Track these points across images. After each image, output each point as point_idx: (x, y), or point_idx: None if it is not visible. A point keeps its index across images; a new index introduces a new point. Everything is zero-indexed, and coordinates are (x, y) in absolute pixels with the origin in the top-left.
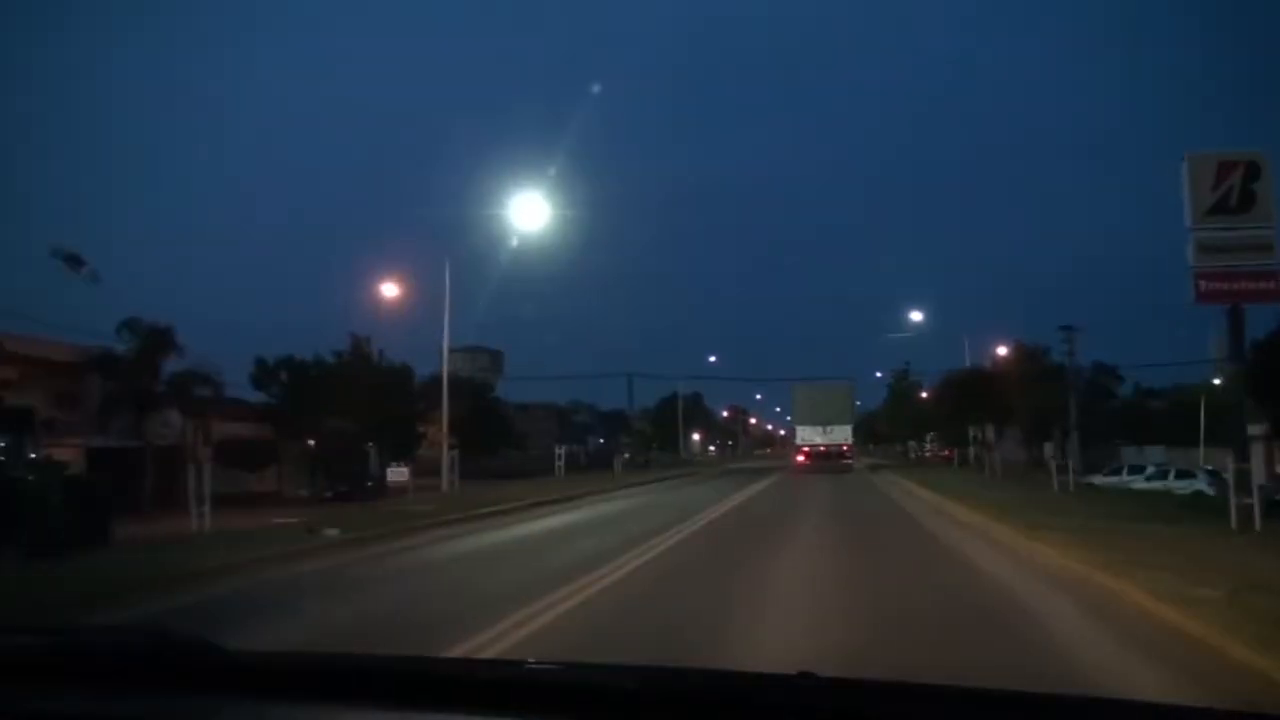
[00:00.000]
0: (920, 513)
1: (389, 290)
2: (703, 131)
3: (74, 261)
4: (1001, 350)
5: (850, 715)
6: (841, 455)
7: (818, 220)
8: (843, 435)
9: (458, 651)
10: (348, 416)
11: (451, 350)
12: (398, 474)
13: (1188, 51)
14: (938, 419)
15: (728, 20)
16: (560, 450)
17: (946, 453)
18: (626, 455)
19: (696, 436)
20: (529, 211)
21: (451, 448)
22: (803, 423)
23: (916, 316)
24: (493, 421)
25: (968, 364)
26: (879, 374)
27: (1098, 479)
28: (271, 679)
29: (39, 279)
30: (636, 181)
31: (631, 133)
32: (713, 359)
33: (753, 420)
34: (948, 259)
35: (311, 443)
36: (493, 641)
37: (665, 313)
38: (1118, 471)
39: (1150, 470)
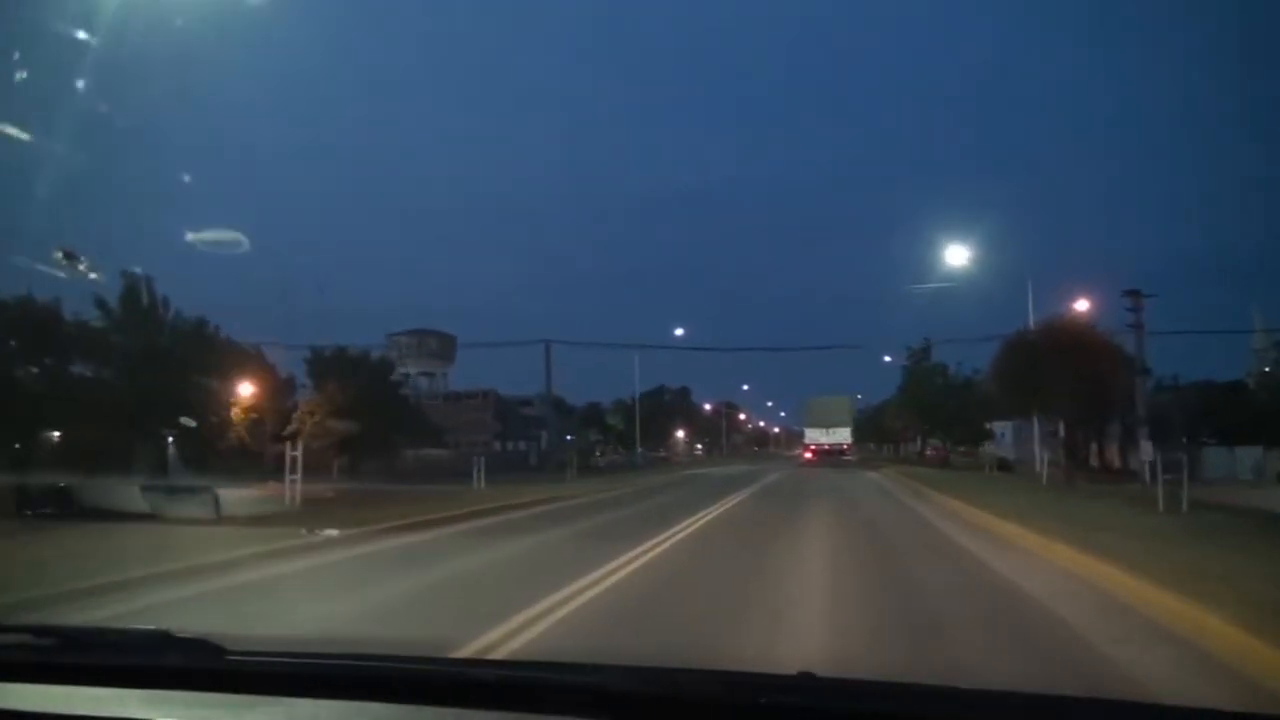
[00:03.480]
0: None
1: None
2: (700, 119)
3: (73, 258)
4: (1083, 305)
5: (850, 715)
6: (842, 453)
7: (817, 200)
8: (843, 436)
9: None
10: (101, 395)
11: (395, 334)
12: None
13: None
14: (994, 403)
15: None
16: (338, 459)
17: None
18: (598, 453)
19: (681, 433)
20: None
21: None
22: (811, 426)
23: (956, 257)
24: (393, 411)
25: (1030, 323)
26: (888, 358)
27: None
28: (273, 678)
29: None
30: (634, 178)
31: (633, 130)
32: (679, 332)
33: (741, 416)
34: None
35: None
36: None
37: (667, 307)
38: None
39: None
